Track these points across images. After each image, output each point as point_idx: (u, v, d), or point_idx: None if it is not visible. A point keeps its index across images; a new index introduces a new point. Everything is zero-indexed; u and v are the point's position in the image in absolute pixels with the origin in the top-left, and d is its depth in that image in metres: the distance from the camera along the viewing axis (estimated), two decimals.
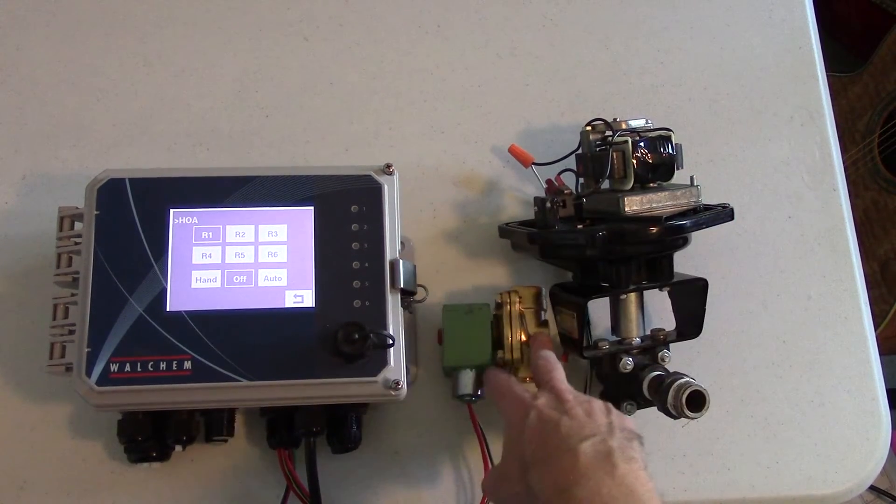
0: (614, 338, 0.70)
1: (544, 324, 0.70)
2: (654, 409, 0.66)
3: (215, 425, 0.66)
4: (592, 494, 0.49)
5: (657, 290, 0.71)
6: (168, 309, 0.62)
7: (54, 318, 0.64)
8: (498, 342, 0.68)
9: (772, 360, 0.76)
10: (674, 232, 0.66)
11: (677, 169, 0.70)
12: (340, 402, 0.64)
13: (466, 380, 0.68)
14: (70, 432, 0.69)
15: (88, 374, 0.60)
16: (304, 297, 0.64)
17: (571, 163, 0.74)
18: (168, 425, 0.64)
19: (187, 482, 0.69)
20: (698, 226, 0.68)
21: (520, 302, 0.69)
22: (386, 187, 0.67)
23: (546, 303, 0.71)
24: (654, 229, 0.66)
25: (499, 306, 0.70)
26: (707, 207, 0.70)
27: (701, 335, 0.70)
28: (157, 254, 0.64)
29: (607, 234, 0.66)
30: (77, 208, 0.66)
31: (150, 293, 0.63)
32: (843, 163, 0.85)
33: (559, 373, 0.62)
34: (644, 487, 0.50)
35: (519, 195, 0.80)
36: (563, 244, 0.70)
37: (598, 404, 0.58)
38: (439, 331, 0.70)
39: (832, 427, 0.74)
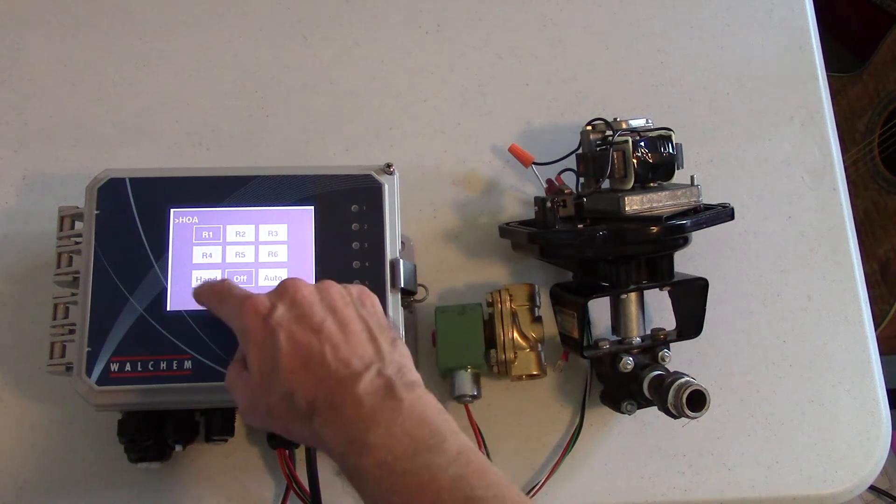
0: (614, 337, 0.71)
1: (538, 320, 0.70)
2: (654, 408, 0.66)
3: (215, 425, 0.66)
4: (386, 438, 0.46)
5: (657, 289, 0.71)
6: (168, 308, 0.63)
7: (54, 318, 0.64)
8: (491, 341, 0.69)
9: (772, 360, 0.76)
10: (674, 231, 0.66)
11: (677, 169, 0.70)
12: None
13: (463, 380, 0.68)
14: (70, 432, 0.69)
15: (88, 373, 0.60)
16: None
17: (571, 162, 0.74)
18: (168, 425, 0.64)
19: (187, 482, 0.69)
20: (698, 225, 0.68)
21: (511, 300, 0.69)
22: (386, 187, 0.67)
23: (540, 300, 0.71)
24: (655, 229, 0.66)
25: (490, 305, 0.70)
26: (707, 207, 0.70)
27: (701, 335, 0.70)
28: (157, 253, 0.64)
29: (608, 234, 0.66)
30: (77, 208, 0.66)
31: (150, 293, 0.63)
32: (843, 163, 0.85)
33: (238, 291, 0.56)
34: (433, 411, 0.48)
35: (519, 195, 0.80)
36: (563, 244, 0.70)
37: (338, 300, 0.53)
38: (433, 332, 0.70)
39: (832, 427, 0.74)
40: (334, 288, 0.54)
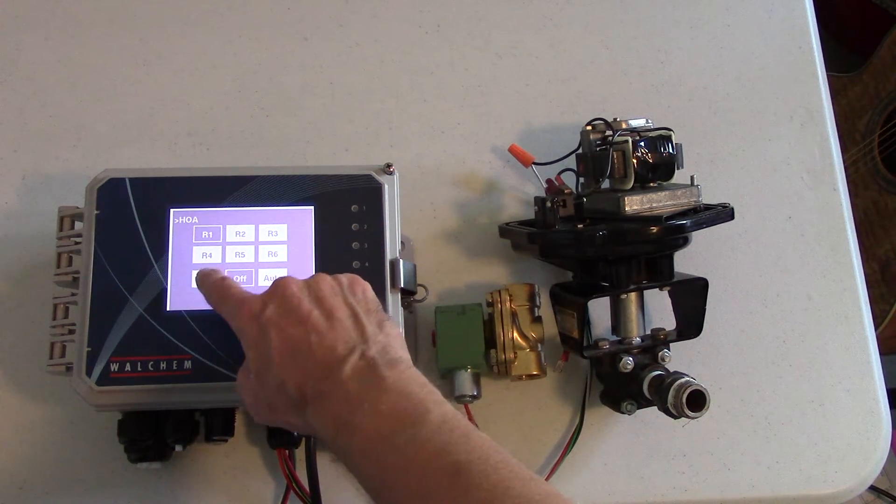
0: (614, 337, 0.71)
1: (538, 320, 0.70)
2: (654, 408, 0.66)
3: (215, 425, 0.66)
4: (372, 417, 0.48)
5: (657, 289, 0.71)
6: (168, 308, 0.63)
7: (54, 318, 0.64)
8: (491, 341, 0.69)
9: (772, 360, 0.76)
10: (674, 231, 0.66)
11: (677, 168, 0.71)
12: None
13: (463, 380, 0.68)
14: (70, 432, 0.69)
15: (88, 373, 0.60)
16: None
17: (571, 162, 0.74)
18: (168, 425, 0.64)
19: (187, 482, 0.69)
20: (698, 225, 0.68)
21: (511, 300, 0.69)
22: (386, 187, 0.67)
23: (540, 300, 0.71)
24: (655, 229, 0.66)
25: (490, 305, 0.70)
26: (707, 207, 0.70)
27: (701, 335, 0.70)
28: (157, 253, 0.64)
29: (607, 234, 0.66)
30: (77, 208, 0.66)
31: (150, 293, 0.63)
32: (843, 163, 0.85)
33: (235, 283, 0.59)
34: (416, 385, 0.49)
35: (519, 195, 0.80)
36: (563, 244, 0.70)
37: (326, 290, 0.54)
38: (433, 332, 0.70)
39: (832, 427, 0.74)
40: (325, 280, 0.56)
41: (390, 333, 0.54)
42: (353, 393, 0.49)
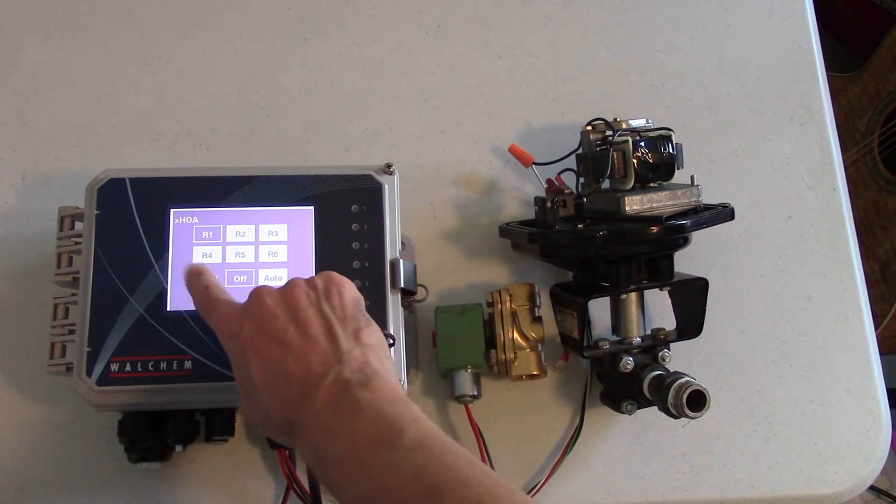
0: (615, 337, 0.71)
1: (539, 320, 0.70)
2: (654, 408, 0.66)
3: (215, 425, 0.66)
4: (349, 448, 0.47)
5: (657, 289, 0.71)
6: (168, 309, 0.63)
7: (54, 318, 0.64)
8: (491, 341, 0.69)
9: (772, 360, 0.76)
10: (674, 231, 0.66)
11: (677, 168, 0.71)
12: None
13: (463, 380, 0.68)
14: (70, 432, 0.69)
15: (89, 373, 0.60)
16: None
17: (572, 162, 0.74)
18: (168, 425, 0.64)
19: (187, 482, 0.69)
20: (698, 225, 0.68)
21: (511, 300, 0.69)
22: (386, 187, 0.67)
23: (540, 300, 0.71)
24: (655, 229, 0.66)
25: (490, 305, 0.70)
26: (707, 207, 0.70)
27: (701, 335, 0.70)
28: (157, 253, 0.64)
29: (608, 234, 0.66)
30: (77, 208, 0.66)
31: (150, 293, 0.63)
32: (843, 163, 0.85)
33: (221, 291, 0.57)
34: (389, 404, 0.48)
35: (519, 195, 0.80)
36: (563, 244, 0.70)
37: (301, 301, 0.52)
38: (433, 332, 0.70)
39: (832, 427, 0.74)
40: (299, 288, 0.54)
41: (367, 343, 0.52)
42: (329, 424, 0.48)
